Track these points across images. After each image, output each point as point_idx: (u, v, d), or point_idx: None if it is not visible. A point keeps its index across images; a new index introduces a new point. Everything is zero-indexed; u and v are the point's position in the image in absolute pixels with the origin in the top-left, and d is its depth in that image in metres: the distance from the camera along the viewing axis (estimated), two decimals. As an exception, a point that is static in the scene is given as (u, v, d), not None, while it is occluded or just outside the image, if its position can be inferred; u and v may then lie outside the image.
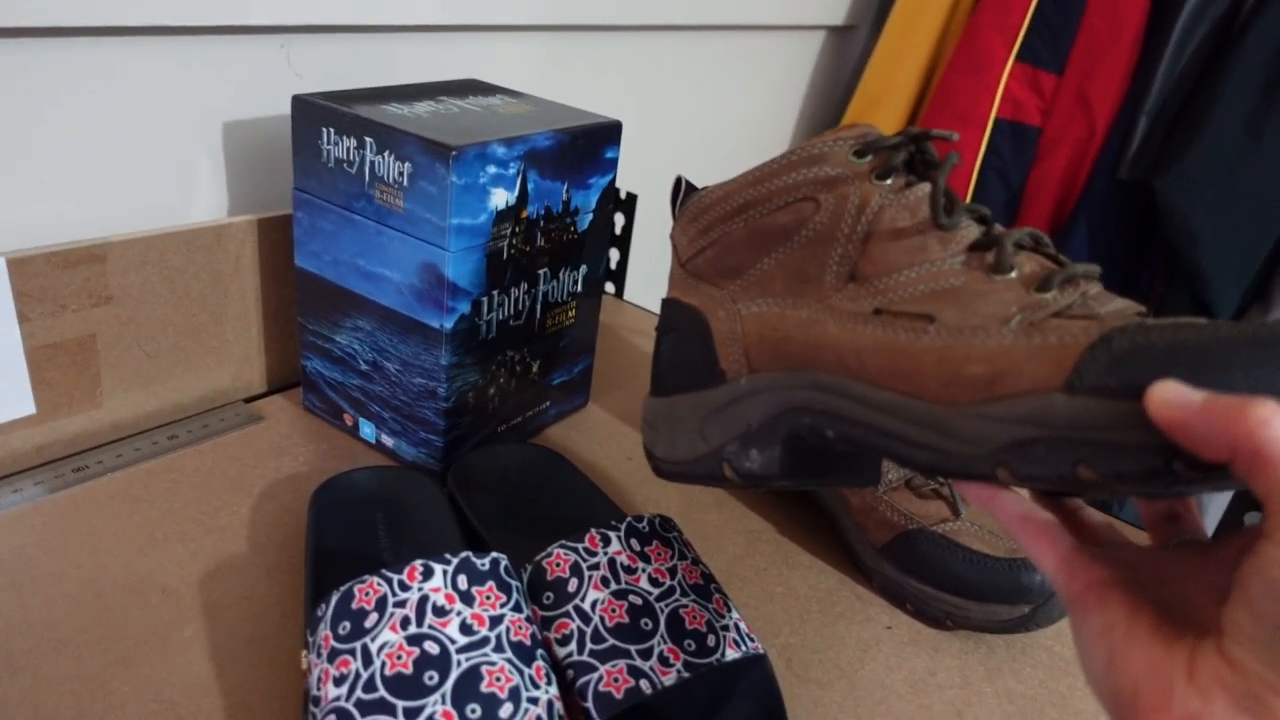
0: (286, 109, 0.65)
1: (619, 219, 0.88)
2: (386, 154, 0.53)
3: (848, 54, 1.34)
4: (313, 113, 0.55)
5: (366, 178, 0.54)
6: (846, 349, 0.38)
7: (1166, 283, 1.06)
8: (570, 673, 0.41)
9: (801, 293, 0.41)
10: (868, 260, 0.39)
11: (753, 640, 0.44)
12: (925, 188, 0.39)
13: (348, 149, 0.54)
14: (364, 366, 0.60)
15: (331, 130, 0.55)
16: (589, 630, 0.42)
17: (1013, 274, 0.36)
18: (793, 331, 0.41)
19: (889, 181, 0.40)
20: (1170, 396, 0.26)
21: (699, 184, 1.18)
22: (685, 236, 0.47)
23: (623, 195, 0.87)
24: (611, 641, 0.41)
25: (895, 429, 0.35)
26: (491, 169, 0.53)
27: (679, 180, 0.48)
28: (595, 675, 0.40)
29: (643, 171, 1.04)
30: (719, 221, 0.45)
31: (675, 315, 0.47)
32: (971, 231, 0.38)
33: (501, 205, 0.54)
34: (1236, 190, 0.96)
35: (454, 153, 0.50)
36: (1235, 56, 0.95)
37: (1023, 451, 0.31)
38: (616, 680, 0.40)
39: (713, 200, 0.45)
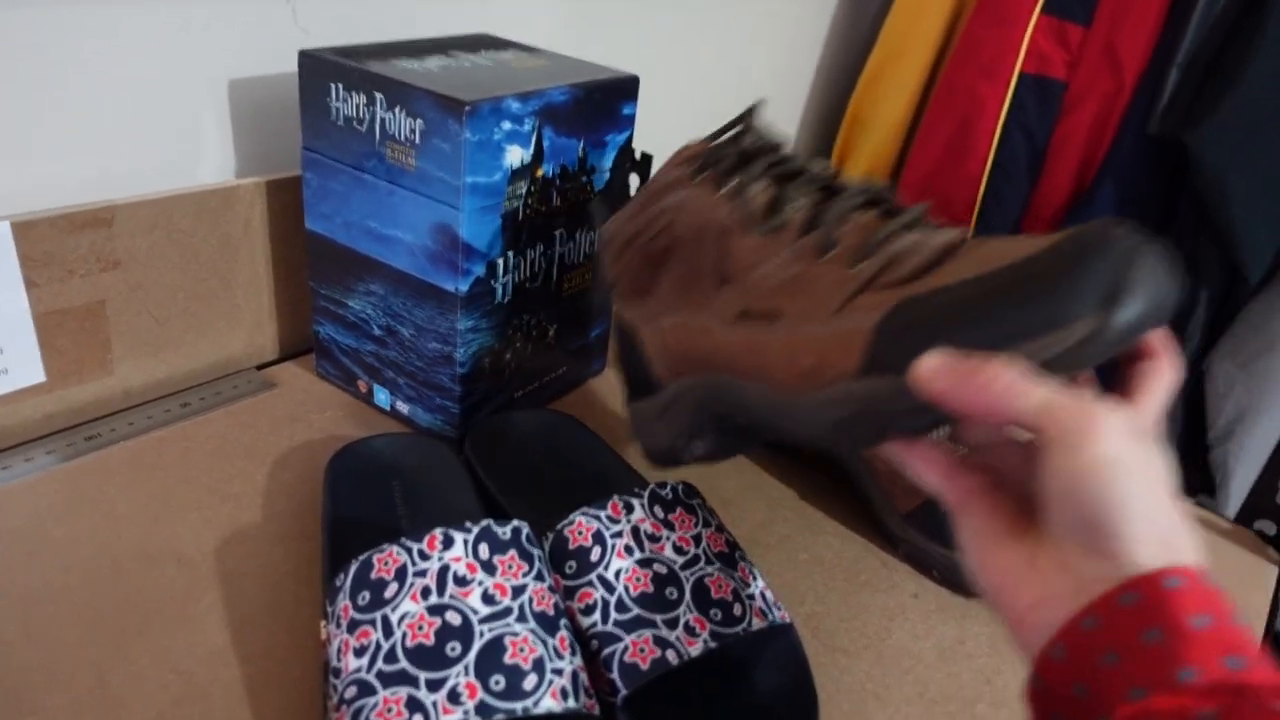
0: (294, 67, 0.63)
1: (634, 180, 0.86)
2: (398, 110, 0.51)
3: (867, 6, 1.31)
4: (321, 68, 0.53)
5: (377, 135, 0.52)
6: (726, 352, 0.42)
7: (1195, 240, 1.04)
8: (595, 643, 0.40)
9: (694, 302, 0.45)
10: (729, 263, 0.42)
11: (779, 609, 0.43)
12: (760, 187, 0.42)
13: (357, 106, 0.53)
14: (378, 332, 0.59)
15: (340, 86, 0.53)
16: (613, 600, 0.41)
17: (837, 249, 0.39)
18: (692, 341, 0.45)
19: (727, 187, 0.43)
20: (926, 372, 0.31)
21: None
22: (603, 265, 0.51)
23: (637, 156, 0.85)
24: (636, 611, 0.41)
25: (770, 418, 0.39)
26: (506, 125, 0.51)
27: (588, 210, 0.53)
28: (621, 645, 0.39)
29: (658, 131, 1.01)
30: (620, 252, 0.49)
31: (619, 332, 0.51)
32: (800, 214, 0.40)
33: (516, 163, 0.53)
34: (1272, 146, 0.93)
35: (468, 108, 0.48)
36: (1273, 4, 0.92)
37: (844, 427, 0.35)
38: (643, 650, 0.39)
39: (610, 235, 0.49)
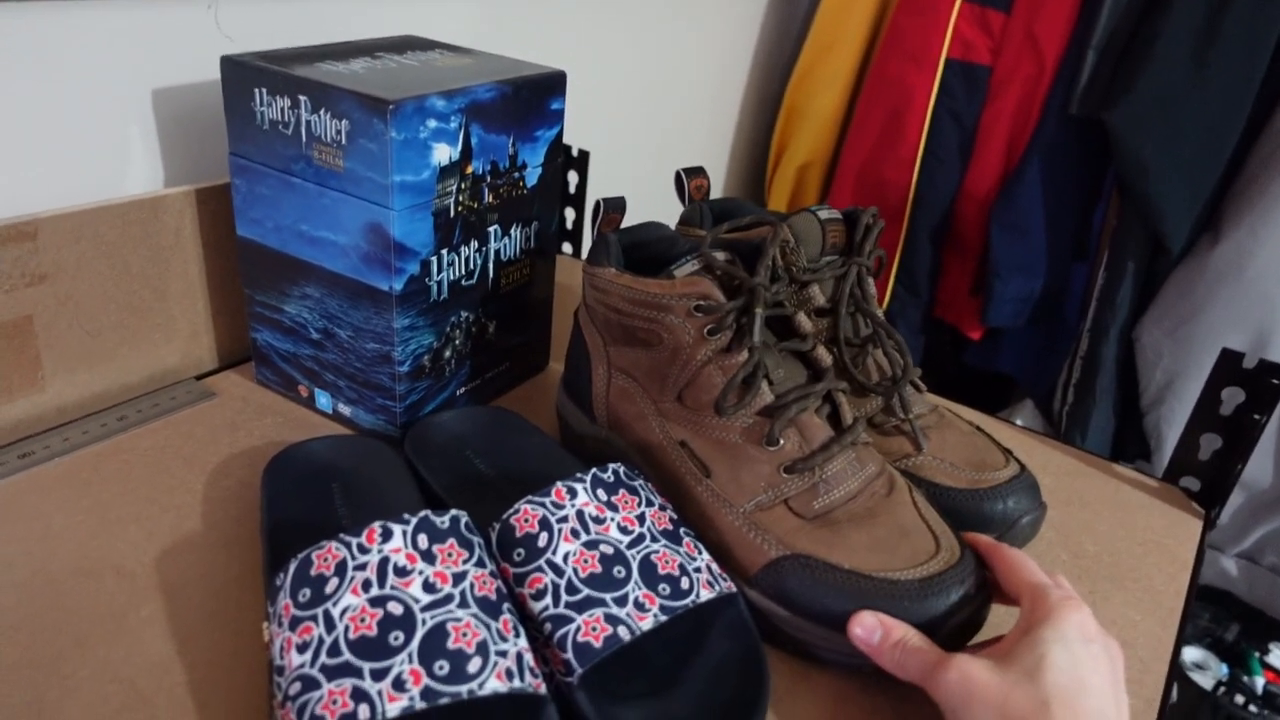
0: (218, 74, 0.63)
1: (573, 177, 0.87)
2: (322, 112, 0.51)
3: (798, 1, 1.33)
4: (243, 73, 0.53)
5: (304, 138, 0.52)
6: (655, 461, 0.51)
7: (1120, 216, 1.07)
8: (548, 626, 0.40)
9: (650, 387, 0.51)
10: (689, 392, 0.49)
11: (725, 580, 0.44)
12: (742, 357, 0.47)
13: (282, 109, 0.52)
14: (315, 335, 0.58)
15: (264, 90, 0.53)
16: (563, 583, 0.41)
17: (778, 445, 0.46)
18: (632, 421, 0.52)
19: (717, 338, 0.48)
20: (860, 630, 0.42)
21: (655, 142, 1.16)
22: (588, 285, 0.54)
23: (575, 153, 0.85)
24: (586, 592, 0.41)
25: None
26: (432, 123, 0.51)
27: (597, 203, 0.54)
28: (573, 626, 0.40)
29: (596, 128, 1.02)
30: (605, 299, 0.52)
31: (577, 339, 0.57)
32: (765, 398, 0.47)
33: (445, 161, 0.53)
34: (1184, 121, 0.97)
35: (391, 106, 0.48)
36: (1179, -15, 0.95)
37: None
38: (595, 629, 0.40)
39: (604, 283, 0.52)
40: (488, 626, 0.37)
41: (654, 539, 0.45)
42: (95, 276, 0.57)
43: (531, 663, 0.38)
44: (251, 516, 0.51)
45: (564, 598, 0.41)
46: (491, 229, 0.59)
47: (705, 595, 0.43)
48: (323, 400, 0.60)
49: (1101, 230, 1.13)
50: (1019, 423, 1.17)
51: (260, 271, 0.59)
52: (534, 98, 0.58)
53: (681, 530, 0.46)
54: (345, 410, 0.60)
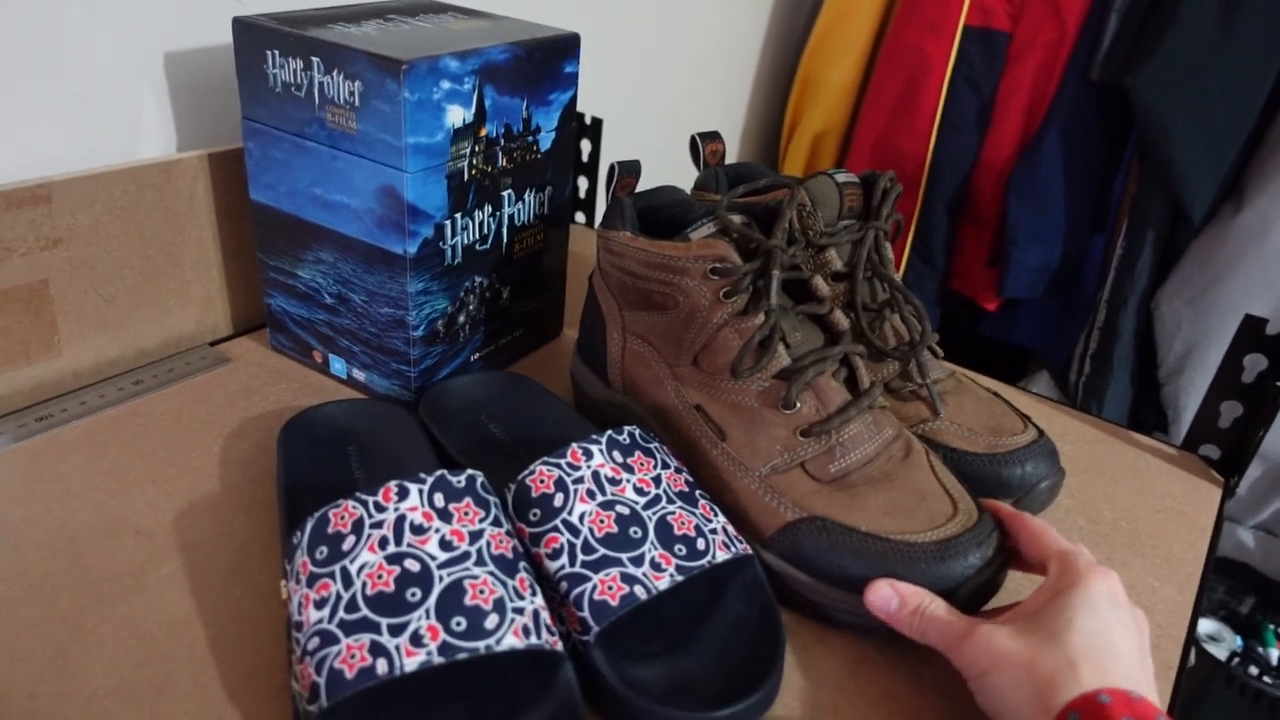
0: (230, 39, 0.62)
1: (585, 145, 0.86)
2: (335, 73, 0.50)
3: (812, -32, 1.31)
4: (255, 35, 0.53)
5: (316, 100, 0.52)
6: (670, 425, 0.50)
7: (1139, 184, 1.06)
8: (564, 585, 0.40)
9: (665, 351, 0.51)
10: (705, 356, 0.49)
11: (741, 542, 0.44)
12: (759, 320, 0.47)
13: (294, 71, 0.52)
14: (329, 300, 0.58)
15: (276, 52, 0.52)
16: (579, 542, 0.41)
17: (795, 408, 0.46)
18: (647, 385, 0.52)
19: (733, 301, 0.47)
20: (876, 598, 0.41)
21: (667, 113, 1.15)
22: (602, 249, 0.53)
23: (588, 120, 0.85)
24: (602, 551, 0.41)
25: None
26: (445, 84, 0.50)
27: (611, 167, 0.53)
28: (589, 585, 0.40)
29: (609, 96, 1.01)
30: (620, 262, 0.51)
31: (591, 304, 0.56)
32: (781, 361, 0.47)
33: (459, 123, 0.52)
34: (1208, 84, 0.95)
35: (405, 66, 0.48)
36: (1205, -54, 0.93)
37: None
38: (611, 588, 0.40)
39: (619, 246, 0.51)
40: (504, 584, 0.37)
41: (670, 500, 0.44)
42: (109, 241, 0.57)
43: (548, 620, 0.38)
44: (268, 479, 0.51)
45: (580, 557, 0.41)
46: (505, 193, 0.58)
47: (721, 556, 0.43)
48: (337, 366, 0.60)
49: (1121, 199, 1.11)
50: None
51: (274, 236, 0.59)
52: (547, 60, 0.57)
53: (697, 493, 0.46)
54: (360, 376, 0.60)
